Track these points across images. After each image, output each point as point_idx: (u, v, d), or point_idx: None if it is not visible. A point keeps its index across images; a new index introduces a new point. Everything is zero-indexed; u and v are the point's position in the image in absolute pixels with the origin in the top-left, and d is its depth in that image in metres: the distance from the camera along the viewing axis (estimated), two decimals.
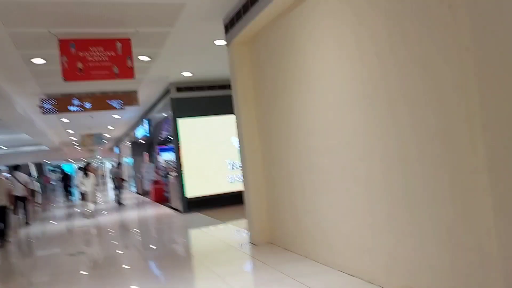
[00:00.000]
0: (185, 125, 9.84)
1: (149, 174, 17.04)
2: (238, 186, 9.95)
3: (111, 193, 20.27)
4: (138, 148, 19.53)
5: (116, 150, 27.24)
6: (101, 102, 9.87)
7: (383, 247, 3.36)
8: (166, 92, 10.17)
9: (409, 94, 2.95)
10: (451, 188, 2.66)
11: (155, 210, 11.46)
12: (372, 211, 3.45)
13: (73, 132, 18.02)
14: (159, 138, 16.49)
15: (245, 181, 5.69)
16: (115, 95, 9.93)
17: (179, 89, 9.84)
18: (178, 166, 9.78)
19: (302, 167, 4.48)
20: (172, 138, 10.59)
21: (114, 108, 9.95)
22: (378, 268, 3.45)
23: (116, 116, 14.77)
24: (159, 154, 16.54)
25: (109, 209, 13.22)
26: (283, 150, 4.88)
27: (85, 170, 11.90)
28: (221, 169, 9.96)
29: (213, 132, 9.97)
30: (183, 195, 9.71)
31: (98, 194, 14.90)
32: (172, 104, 9.80)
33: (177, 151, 9.79)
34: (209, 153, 9.90)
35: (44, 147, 24.20)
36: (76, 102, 9.75)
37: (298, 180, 4.59)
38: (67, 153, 29.58)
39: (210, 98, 9.99)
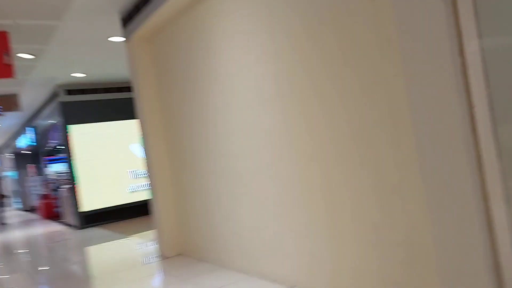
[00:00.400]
0: (78, 132, 8.93)
1: (35, 188, 15.35)
2: (141, 196, 9.32)
3: None
4: (21, 159, 17.49)
5: None
6: None
7: (304, 250, 3.23)
8: (54, 95, 9.14)
9: (327, 92, 2.84)
10: (375, 185, 2.60)
11: (46, 228, 10.24)
12: (292, 214, 3.30)
13: None
14: (47, 147, 14.92)
15: (152, 190, 5.23)
16: None
17: (69, 92, 8.90)
18: (71, 177, 8.83)
19: (218, 171, 4.19)
20: (62, 147, 9.56)
21: None
22: (300, 272, 3.31)
23: None
24: (47, 166, 14.96)
25: None
26: (196, 155, 4.55)
27: None
28: (121, 178, 9.23)
29: (111, 140, 9.21)
30: (78, 209, 8.78)
31: None
32: (61, 109, 8.83)
33: (69, 161, 8.83)
34: (107, 162, 9.11)
35: None
36: None
37: (214, 186, 4.30)
38: None
39: (106, 102, 9.22)
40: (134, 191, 9.33)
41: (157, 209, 5.15)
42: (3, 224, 12.20)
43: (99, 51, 6.69)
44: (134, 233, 7.28)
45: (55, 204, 12.33)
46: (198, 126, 4.40)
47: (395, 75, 2.40)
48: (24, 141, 13.73)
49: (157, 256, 5.24)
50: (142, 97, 5.10)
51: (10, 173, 19.25)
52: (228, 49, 3.80)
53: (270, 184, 3.50)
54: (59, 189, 12.44)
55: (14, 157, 17.79)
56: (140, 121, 5.23)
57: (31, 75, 7.49)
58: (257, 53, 3.45)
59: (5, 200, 12.59)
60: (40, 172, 17.14)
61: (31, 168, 17.55)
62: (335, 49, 2.75)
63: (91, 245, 7.19)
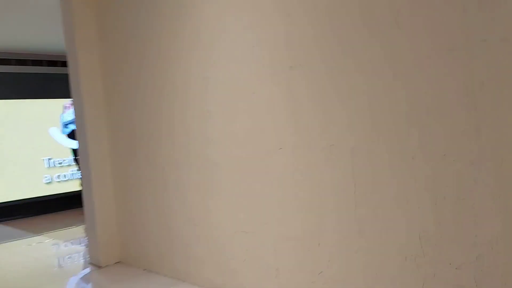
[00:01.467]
0: None
1: None
2: (61, 188, 7.96)
3: None
4: None
5: None
6: None
7: (306, 267, 2.54)
8: None
9: (375, 61, 2.19)
10: (431, 184, 2.00)
11: None
12: (294, 218, 2.60)
13: None
14: None
15: (85, 180, 4.18)
16: None
17: None
18: None
19: (183, 161, 3.33)
20: None
21: None
22: None
23: None
24: None
25: None
26: (152, 139, 3.62)
27: None
28: (35, 167, 7.78)
29: (22, 122, 7.71)
30: None
31: None
32: None
33: None
34: (16, 147, 7.61)
35: None
36: None
37: (176, 179, 3.42)
38: None
39: (18, 76, 7.70)
40: (50, 182, 7.91)
41: (91, 204, 4.11)
42: None
43: (17, 10, 5.37)
44: (52, 231, 6.04)
45: None
46: (159, 105, 3.50)
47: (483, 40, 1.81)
48: None
49: (86, 264, 4.20)
50: (79, 63, 4.03)
51: None
52: (211, 7, 2.98)
53: (261, 179, 2.76)
54: None
55: None
56: (75, 95, 4.15)
57: None
58: (256, 9, 2.69)
59: None
60: None
61: None
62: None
63: None
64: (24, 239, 5.87)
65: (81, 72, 4.01)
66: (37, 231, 6.23)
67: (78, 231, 5.98)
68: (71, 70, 4.14)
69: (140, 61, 3.63)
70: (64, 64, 7.66)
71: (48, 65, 8.05)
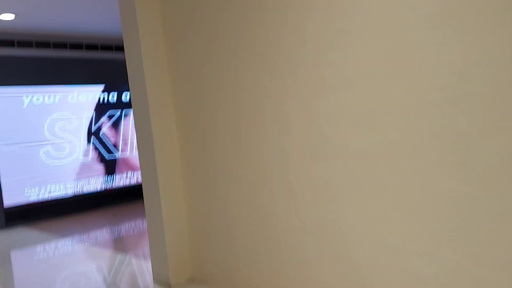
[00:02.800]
0: (4, 96, 6.53)
1: None
2: (93, 186, 7.23)
3: None
4: None
5: None
6: None
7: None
8: None
9: None
10: None
11: None
12: (448, 226, 1.77)
13: None
14: None
15: (147, 186, 3.35)
16: None
17: None
18: None
19: (303, 155, 2.49)
20: None
21: None
22: None
23: None
24: None
25: None
26: (246, 138, 2.78)
27: None
28: (72, 160, 7.02)
29: (48, 111, 6.92)
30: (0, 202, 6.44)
31: None
32: None
33: None
34: (47, 136, 6.83)
35: None
36: None
37: (283, 178, 2.59)
38: None
39: (49, 61, 6.90)
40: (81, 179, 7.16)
41: (157, 210, 3.30)
42: None
43: None
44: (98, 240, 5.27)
45: None
46: (253, 78, 2.65)
47: None
48: None
49: (152, 282, 3.40)
50: (145, 60, 3.16)
51: None
52: None
53: (410, 178, 1.93)
54: None
55: None
56: (135, 85, 3.31)
57: None
58: None
59: None
60: None
61: None
62: None
63: (28, 257, 5.03)
64: (63, 246, 5.10)
65: (144, 58, 3.16)
66: (77, 238, 5.46)
67: (136, 239, 5.22)
68: (130, 55, 3.30)
69: (229, 50, 2.77)
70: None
71: (80, 49, 7.26)
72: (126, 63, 3.34)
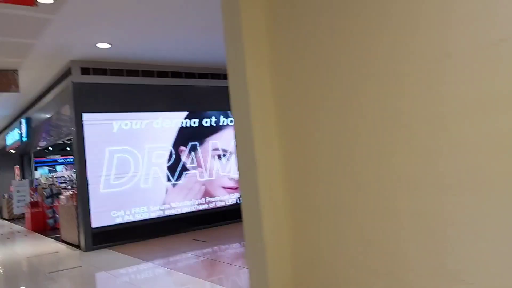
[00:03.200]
0: (96, 123, 6.85)
1: (21, 193, 13.09)
2: (177, 209, 7.29)
3: None
4: (5, 159, 15.18)
5: None
6: None
7: None
8: (65, 74, 7.08)
9: None
10: None
11: (37, 246, 8.02)
12: None
13: None
14: (41, 144, 12.73)
15: (248, 204, 3.21)
16: None
17: (84, 71, 6.85)
18: (81, 181, 6.71)
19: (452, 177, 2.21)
20: (68, 143, 7.47)
21: None
22: None
23: None
24: (38, 168, 12.79)
25: None
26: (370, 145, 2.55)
27: None
28: (155, 186, 7.16)
29: (145, 136, 7.16)
30: (87, 223, 6.65)
31: None
32: (75, 92, 6.76)
33: (79, 160, 6.72)
34: (137, 163, 7.04)
35: None
36: None
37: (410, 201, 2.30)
38: None
39: (137, 88, 7.19)
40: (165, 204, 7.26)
41: (257, 232, 3.12)
42: None
43: (147, 10, 4.71)
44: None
45: (47, 214, 10.14)
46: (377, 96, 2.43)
47: None
48: (13, 137, 11.49)
49: None
50: (250, 81, 3.06)
51: None
52: None
53: None
54: (55, 196, 10.29)
55: None
56: (238, 111, 3.21)
57: (43, 37, 5.45)
58: None
59: None
60: (28, 175, 14.87)
61: (16, 170, 15.27)
62: None
63: (111, 280, 5.06)
64: (166, 276, 5.07)
65: (249, 85, 3.06)
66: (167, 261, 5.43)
67: (224, 266, 5.10)
68: (234, 82, 3.23)
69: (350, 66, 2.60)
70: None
71: (165, 76, 7.51)
72: (230, 88, 3.28)
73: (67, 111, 7.68)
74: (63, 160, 17.39)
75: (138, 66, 7.21)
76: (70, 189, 13.41)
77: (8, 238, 9.59)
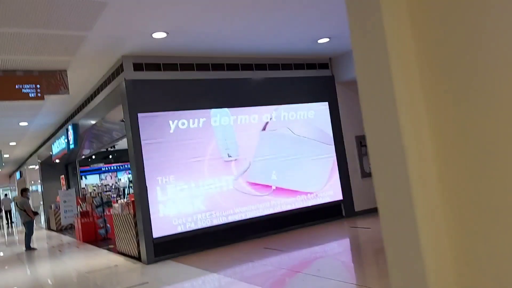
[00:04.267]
0: (151, 123, 6.26)
1: (68, 203, 12.77)
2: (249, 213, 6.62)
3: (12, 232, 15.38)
4: (51, 169, 15.00)
5: (17, 175, 21.80)
6: (6, 87, 5.98)
7: None
8: (116, 72, 6.54)
9: None
10: None
11: (93, 259, 7.51)
12: None
13: None
14: (86, 152, 12.43)
15: (393, 205, 2.44)
16: (29, 76, 6.09)
17: (137, 67, 6.28)
18: (139, 188, 6.12)
19: None
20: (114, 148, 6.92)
21: (26, 96, 6.11)
22: None
23: (22, 124, 10.51)
24: (86, 176, 12.47)
25: (12, 259, 8.86)
26: None
27: None
28: (219, 188, 6.52)
29: (203, 135, 6.53)
30: (148, 233, 6.04)
31: None
32: (128, 91, 6.19)
33: (136, 165, 6.14)
34: (197, 166, 6.41)
35: None
36: None
37: None
38: None
39: (192, 83, 6.57)
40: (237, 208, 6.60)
41: (409, 236, 2.34)
42: (30, 249, 9.53)
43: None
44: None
45: (98, 224, 9.70)
46: None
47: None
48: (59, 145, 11.16)
49: None
50: (394, 59, 2.31)
51: (37, 186, 16.71)
52: None
53: None
54: (105, 205, 9.84)
55: (40, 166, 15.29)
56: (372, 102, 2.45)
57: (96, 27, 4.87)
58: None
59: (33, 219, 9.94)
60: (74, 184, 14.63)
61: (62, 180, 15.06)
62: None
63: None
64: None
65: (393, 65, 2.29)
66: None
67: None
68: (363, 69, 2.47)
69: None
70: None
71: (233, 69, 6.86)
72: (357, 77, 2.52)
73: (117, 113, 7.15)
74: (106, 168, 17.13)
75: (193, 59, 6.59)
76: (115, 197, 13.04)
77: (59, 250, 9.18)
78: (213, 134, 6.64)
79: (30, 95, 6.09)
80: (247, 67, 7.10)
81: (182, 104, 6.49)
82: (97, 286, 5.28)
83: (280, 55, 7.21)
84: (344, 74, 7.80)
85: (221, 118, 6.75)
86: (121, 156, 17.65)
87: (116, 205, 7.62)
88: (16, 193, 22.79)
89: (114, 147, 15.11)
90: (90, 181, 16.33)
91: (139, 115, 6.16)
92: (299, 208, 7.22)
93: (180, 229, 6.25)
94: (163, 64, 6.40)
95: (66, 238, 11.21)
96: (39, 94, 6.12)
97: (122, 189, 14.87)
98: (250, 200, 6.81)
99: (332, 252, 5.85)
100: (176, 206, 6.24)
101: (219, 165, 6.62)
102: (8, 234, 15.44)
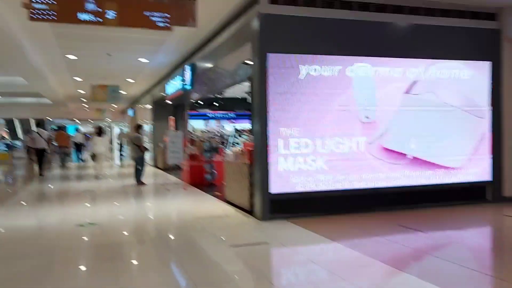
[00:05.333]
0: (283, 67, 5.52)
1: (175, 144, 12.90)
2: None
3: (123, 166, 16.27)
4: (161, 110, 15.31)
5: (130, 113, 23.02)
6: (133, 11, 5.60)
7: None
8: (249, 4, 5.85)
9: None
10: None
11: (201, 204, 7.26)
12: None
13: (81, 80, 13.80)
14: (199, 95, 12.29)
15: None
16: (160, 3, 5.64)
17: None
18: (261, 139, 5.52)
19: None
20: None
21: (154, 25, 5.67)
22: None
23: (142, 60, 10.52)
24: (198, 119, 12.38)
25: (125, 192, 9.07)
26: None
27: (100, 131, 12.06)
28: (346, 149, 5.72)
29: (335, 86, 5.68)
30: (265, 188, 5.47)
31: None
32: (261, 26, 5.47)
33: (260, 113, 5.50)
34: (329, 121, 5.63)
35: (46, 101, 20.01)
36: (91, 5, 5.47)
37: None
38: (72, 111, 25.40)
39: (333, 25, 5.67)
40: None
41: None
42: (140, 183, 9.70)
43: None
44: None
45: (206, 169, 9.52)
46: None
47: None
48: (174, 85, 11.06)
49: None
50: None
51: (148, 126, 17.34)
52: None
53: None
54: (213, 151, 9.62)
55: (153, 106, 15.69)
56: None
57: None
58: None
59: (144, 155, 10.11)
60: (181, 126, 14.83)
61: (171, 121, 15.34)
62: None
63: (287, 259, 3.71)
64: None
65: None
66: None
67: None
68: None
69: None
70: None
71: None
72: None
73: (240, 55, 6.54)
74: (213, 115, 17.15)
75: None
76: (221, 144, 12.88)
77: (168, 189, 9.20)
78: (348, 86, 5.73)
79: (157, 23, 5.67)
80: (397, 9, 5.95)
81: (316, 47, 5.63)
82: (215, 237, 4.86)
83: None
84: None
85: (360, 68, 5.78)
86: (227, 105, 17.54)
87: (230, 152, 7.19)
88: (126, 130, 24.21)
89: (222, 94, 14.95)
90: (195, 126, 16.47)
91: (269, 55, 5.45)
92: (436, 184, 6.13)
93: (299, 188, 5.58)
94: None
95: (172, 178, 11.35)
96: (167, 24, 5.67)
97: (226, 137, 14.72)
98: (381, 168, 5.88)
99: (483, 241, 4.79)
100: (297, 162, 5.55)
101: (351, 123, 5.74)
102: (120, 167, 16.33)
